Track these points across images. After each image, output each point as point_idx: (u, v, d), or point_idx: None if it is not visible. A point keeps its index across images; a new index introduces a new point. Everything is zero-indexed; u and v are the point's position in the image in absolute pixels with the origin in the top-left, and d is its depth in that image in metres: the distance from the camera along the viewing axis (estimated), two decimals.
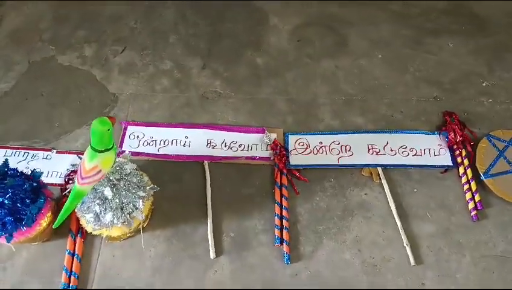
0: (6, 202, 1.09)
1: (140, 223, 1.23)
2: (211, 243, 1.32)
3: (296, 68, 1.69)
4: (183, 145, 1.50)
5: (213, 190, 1.41)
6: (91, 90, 1.61)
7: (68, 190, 1.15)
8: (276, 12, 1.82)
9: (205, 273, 1.29)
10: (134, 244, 1.33)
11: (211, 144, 1.50)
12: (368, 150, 1.48)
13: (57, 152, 1.48)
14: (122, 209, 1.12)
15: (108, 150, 0.96)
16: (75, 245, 1.32)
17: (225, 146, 1.50)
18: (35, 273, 1.28)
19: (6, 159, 1.18)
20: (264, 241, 1.34)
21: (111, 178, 1.08)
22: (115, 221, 1.12)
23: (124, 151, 1.43)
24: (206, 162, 1.46)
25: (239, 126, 1.54)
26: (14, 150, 1.48)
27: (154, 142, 1.50)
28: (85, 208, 1.12)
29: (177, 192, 1.37)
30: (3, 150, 1.48)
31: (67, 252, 1.30)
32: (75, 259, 1.30)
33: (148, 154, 1.47)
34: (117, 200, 1.09)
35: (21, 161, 1.46)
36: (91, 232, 1.24)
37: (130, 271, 1.29)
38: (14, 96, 1.59)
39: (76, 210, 1.16)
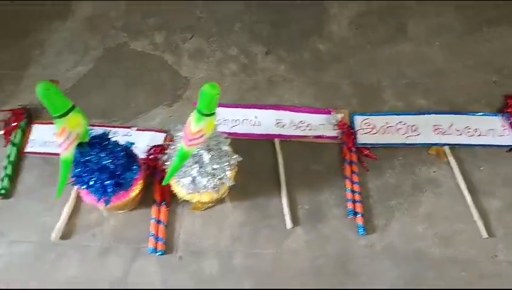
0: (110, 166, 1.17)
1: (225, 191, 1.30)
2: (287, 214, 1.38)
3: (358, 54, 1.75)
4: (253, 125, 1.57)
5: (284, 166, 1.47)
6: (164, 74, 1.70)
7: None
8: (336, 2, 1.88)
9: (283, 242, 1.35)
10: (213, 214, 1.40)
11: (280, 123, 1.57)
12: (434, 130, 1.53)
13: (137, 129, 1.57)
14: (214, 175, 1.19)
15: (212, 114, 1.04)
16: (159, 213, 1.40)
17: (293, 126, 1.56)
18: (123, 240, 1.36)
19: (106, 130, 1.27)
20: (337, 214, 1.40)
21: (209, 143, 1.15)
22: (208, 186, 1.20)
23: None
24: (276, 140, 1.53)
25: (306, 107, 1.60)
26: (97, 128, 1.56)
27: (226, 121, 1.58)
28: (182, 172, 1.20)
29: (250, 167, 1.44)
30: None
31: (153, 220, 1.38)
32: (160, 226, 1.38)
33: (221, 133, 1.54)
34: (211, 166, 1.17)
35: None
36: (180, 199, 1.31)
37: (211, 238, 1.36)
38: (92, 78, 1.69)
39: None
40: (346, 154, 1.49)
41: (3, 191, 1.44)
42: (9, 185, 1.47)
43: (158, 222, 1.38)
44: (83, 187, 1.22)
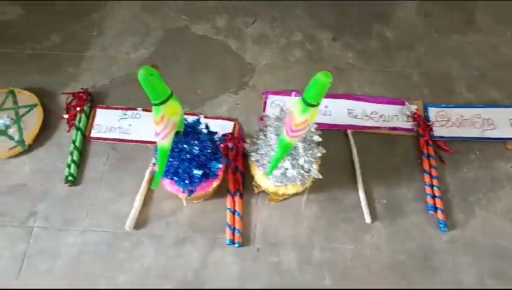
0: (200, 155, 1.13)
1: (306, 184, 1.27)
2: (365, 208, 1.35)
3: (426, 42, 1.69)
4: (324, 114, 1.53)
5: (359, 158, 1.44)
6: (228, 59, 1.65)
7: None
8: None
9: (362, 237, 1.32)
10: (289, 205, 1.37)
11: (352, 113, 1.53)
12: (511, 124, 1.49)
13: (204, 117, 1.52)
14: (303, 167, 1.16)
15: (318, 104, 1.00)
16: (234, 204, 1.36)
17: (366, 116, 1.52)
18: (198, 230, 1.34)
19: (199, 118, 1.22)
20: (416, 208, 1.37)
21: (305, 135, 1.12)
22: (297, 178, 1.16)
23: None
24: (349, 131, 1.49)
25: (378, 97, 1.56)
26: None
27: None
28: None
29: (323, 159, 1.39)
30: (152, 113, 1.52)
31: (228, 210, 1.35)
32: (236, 217, 1.35)
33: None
34: (304, 158, 1.13)
35: None
36: (257, 190, 1.28)
37: (288, 230, 1.34)
38: (154, 61, 1.64)
39: (259, 166, 1.20)
40: (423, 147, 1.45)
41: (71, 178, 1.41)
42: (77, 171, 1.43)
43: (234, 212, 1.35)
44: (168, 177, 1.18)
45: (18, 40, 1.69)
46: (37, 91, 1.56)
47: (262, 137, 1.18)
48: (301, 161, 1.13)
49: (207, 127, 1.19)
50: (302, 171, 1.16)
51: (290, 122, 1.00)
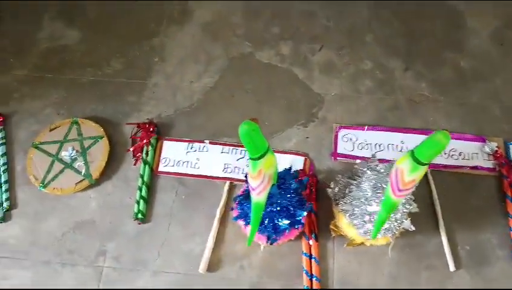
0: (288, 206, 1.08)
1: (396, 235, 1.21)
2: (448, 255, 1.29)
3: (504, 73, 1.61)
4: (400, 151, 1.46)
5: (439, 199, 1.37)
6: (295, 89, 1.59)
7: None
8: (473, 13, 1.73)
9: (446, 286, 1.25)
10: (368, 250, 1.31)
11: None
12: None
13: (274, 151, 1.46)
14: (396, 219, 1.10)
15: (428, 164, 0.93)
16: (310, 248, 1.31)
17: (445, 154, 1.44)
18: (273, 274, 1.28)
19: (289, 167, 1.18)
20: (501, 256, 1.30)
21: None
22: (390, 230, 1.10)
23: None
24: (428, 171, 1.41)
25: (456, 133, 1.48)
26: (230, 147, 1.48)
27: (368, 145, 1.47)
28: (361, 214, 1.10)
29: None
30: (220, 147, 1.48)
31: (304, 255, 1.29)
32: (313, 262, 1.29)
33: (361, 158, 1.44)
34: (399, 213, 1.07)
35: (240, 159, 1.46)
36: (333, 235, 1.23)
37: (367, 277, 1.28)
38: (221, 91, 1.59)
39: (348, 217, 1.14)
40: (507, 189, 1.37)
41: (140, 216, 1.37)
42: (146, 208, 1.38)
43: (310, 257, 1.30)
44: (247, 223, 1.13)
45: (78, 66, 1.66)
46: (100, 121, 1.52)
47: (355, 187, 1.11)
48: (398, 216, 1.07)
49: (296, 174, 1.14)
50: (395, 224, 1.10)
51: (398, 180, 0.94)
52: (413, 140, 1.47)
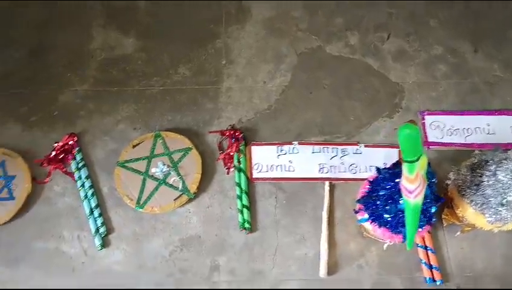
0: (427, 204, 1.08)
1: None
2: None
3: None
4: (488, 133, 1.48)
5: None
6: (372, 80, 1.58)
7: None
8: None
9: None
10: (477, 235, 1.33)
11: None
12: None
13: (364, 146, 1.46)
14: None
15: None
16: (424, 239, 1.32)
17: None
18: (392, 270, 1.29)
19: (398, 160, 1.16)
20: None
21: None
22: None
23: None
24: None
25: None
26: (321, 146, 1.46)
27: (457, 131, 1.48)
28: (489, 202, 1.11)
29: None
30: (310, 147, 1.46)
31: (419, 246, 1.30)
32: (430, 253, 1.30)
33: (454, 144, 1.45)
34: None
35: (334, 157, 1.44)
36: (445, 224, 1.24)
37: (483, 261, 1.30)
38: (297, 89, 1.56)
39: (479, 206, 1.14)
40: None
41: (247, 225, 1.34)
42: (250, 216, 1.36)
43: (426, 248, 1.31)
44: (387, 226, 1.12)
45: (142, 75, 1.58)
46: (181, 132, 1.46)
47: (488, 178, 1.12)
48: None
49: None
50: None
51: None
52: (498, 122, 1.49)
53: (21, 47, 1.63)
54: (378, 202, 1.11)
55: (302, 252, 1.32)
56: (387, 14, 1.70)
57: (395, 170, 1.11)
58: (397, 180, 1.04)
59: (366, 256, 1.31)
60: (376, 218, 1.14)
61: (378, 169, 1.17)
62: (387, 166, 1.18)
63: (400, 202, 1.05)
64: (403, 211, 1.07)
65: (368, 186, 1.17)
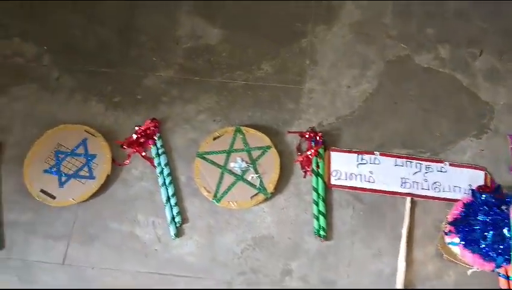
0: None
1: None
2: None
3: None
4: None
5: None
6: (461, 96, 1.52)
7: None
8: None
9: None
10: None
11: None
12: None
13: (450, 165, 1.40)
14: None
15: None
16: (506, 269, 1.26)
17: None
18: None
19: (499, 185, 1.11)
20: None
21: None
22: None
23: None
24: None
25: None
26: (404, 160, 1.42)
27: None
28: None
29: None
30: (392, 159, 1.41)
31: (501, 276, 1.25)
32: (511, 282, 1.24)
33: None
34: None
35: (417, 172, 1.40)
36: None
37: None
38: (382, 98, 1.51)
39: None
40: None
41: (322, 232, 1.31)
42: (326, 224, 1.33)
43: (507, 278, 1.25)
44: (473, 250, 1.08)
45: (226, 68, 1.57)
46: (259, 129, 1.44)
47: None
48: None
49: None
50: None
51: None
52: None
53: (108, 26, 1.64)
54: (476, 227, 1.06)
55: (378, 268, 1.29)
56: (481, 29, 1.63)
57: (497, 197, 1.05)
58: (504, 207, 0.99)
59: (444, 279, 1.27)
60: (469, 243, 1.09)
61: (474, 192, 1.12)
62: (474, 188, 1.16)
63: (504, 231, 1.00)
64: (504, 239, 1.02)
65: (463, 209, 1.13)
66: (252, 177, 1.37)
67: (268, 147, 1.41)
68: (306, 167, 1.41)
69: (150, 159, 1.42)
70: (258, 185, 1.35)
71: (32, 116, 1.50)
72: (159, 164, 1.40)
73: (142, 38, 1.62)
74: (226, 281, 1.28)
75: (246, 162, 1.38)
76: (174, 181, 1.39)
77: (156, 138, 1.44)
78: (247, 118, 1.49)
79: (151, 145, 1.43)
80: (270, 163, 1.39)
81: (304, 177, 1.40)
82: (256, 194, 1.35)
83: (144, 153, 1.42)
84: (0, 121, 1.49)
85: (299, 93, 1.53)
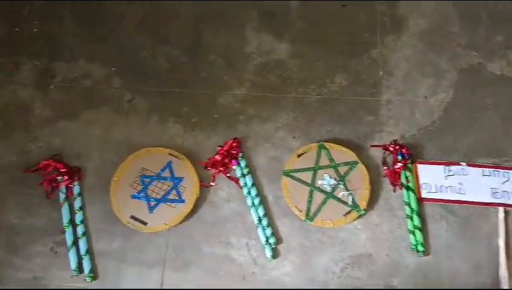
0: None
1: None
2: None
3: None
4: None
5: None
6: None
7: None
8: None
9: None
10: None
11: None
12: None
13: None
14: None
15: None
16: None
17: None
18: None
19: None
20: None
21: None
22: None
23: None
24: None
25: None
26: (491, 169, 1.41)
27: None
28: None
29: None
30: (479, 169, 1.41)
31: None
32: None
33: None
34: None
35: (506, 182, 1.39)
36: None
37: None
38: (461, 107, 1.51)
39: None
40: None
41: (421, 248, 1.29)
42: (423, 239, 1.31)
43: None
44: None
45: (298, 83, 1.56)
46: (341, 143, 1.43)
47: None
48: None
49: None
50: None
51: None
52: None
53: (175, 46, 1.62)
54: None
55: (480, 280, 1.27)
56: None
57: None
58: None
59: None
60: None
61: None
62: None
63: None
64: None
65: None
66: (343, 194, 1.35)
67: (356, 163, 1.39)
68: (395, 181, 1.39)
69: (234, 179, 1.40)
70: (350, 202, 1.34)
71: (109, 140, 1.47)
72: (245, 184, 1.38)
73: (211, 57, 1.60)
74: None
75: (334, 179, 1.37)
76: (263, 201, 1.37)
77: (239, 158, 1.42)
78: (326, 133, 1.48)
79: (235, 166, 1.41)
80: (359, 179, 1.37)
81: (394, 191, 1.38)
82: (349, 212, 1.33)
83: (228, 174, 1.40)
84: (77, 148, 1.45)
85: (377, 105, 1.52)
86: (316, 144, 1.43)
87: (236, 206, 1.37)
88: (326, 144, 1.42)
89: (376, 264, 1.30)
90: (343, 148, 1.41)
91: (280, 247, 1.33)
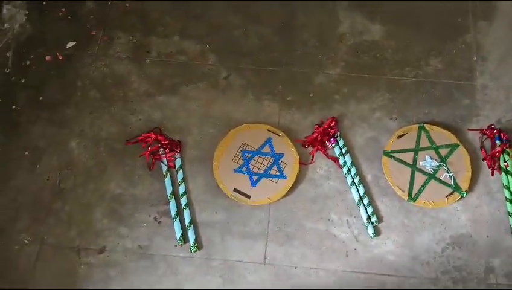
0: None
1: None
2: None
3: None
4: None
5: None
6: None
7: None
8: None
9: None
10: None
11: None
12: None
13: None
14: None
15: None
16: None
17: None
18: None
19: None
20: None
21: None
22: None
23: None
24: None
25: None
26: None
27: None
28: None
29: None
30: None
31: None
32: None
33: None
34: None
35: None
36: None
37: None
38: None
39: None
40: None
41: None
42: None
43: None
44: None
45: (393, 64, 1.57)
46: (439, 126, 1.44)
47: None
48: None
49: None
50: None
51: None
52: None
53: (268, 25, 1.63)
54: None
55: None
56: None
57: None
58: None
59: None
60: None
61: None
62: None
63: None
64: None
65: None
66: (445, 175, 1.36)
67: (457, 145, 1.40)
68: (493, 165, 1.39)
69: (333, 158, 1.41)
70: (452, 184, 1.35)
71: (207, 115, 1.49)
72: (345, 163, 1.40)
73: (304, 36, 1.61)
74: (431, 280, 1.28)
75: (436, 160, 1.38)
76: (363, 180, 1.39)
77: (337, 137, 1.43)
78: (424, 115, 1.48)
79: (333, 145, 1.42)
80: (461, 161, 1.38)
81: (492, 175, 1.39)
82: (451, 193, 1.34)
83: (326, 152, 1.42)
84: (176, 122, 1.48)
85: (473, 89, 1.52)
86: (416, 125, 1.44)
87: (336, 185, 1.39)
88: (427, 126, 1.43)
89: (476, 244, 1.31)
90: (444, 131, 1.42)
91: (381, 225, 1.34)
